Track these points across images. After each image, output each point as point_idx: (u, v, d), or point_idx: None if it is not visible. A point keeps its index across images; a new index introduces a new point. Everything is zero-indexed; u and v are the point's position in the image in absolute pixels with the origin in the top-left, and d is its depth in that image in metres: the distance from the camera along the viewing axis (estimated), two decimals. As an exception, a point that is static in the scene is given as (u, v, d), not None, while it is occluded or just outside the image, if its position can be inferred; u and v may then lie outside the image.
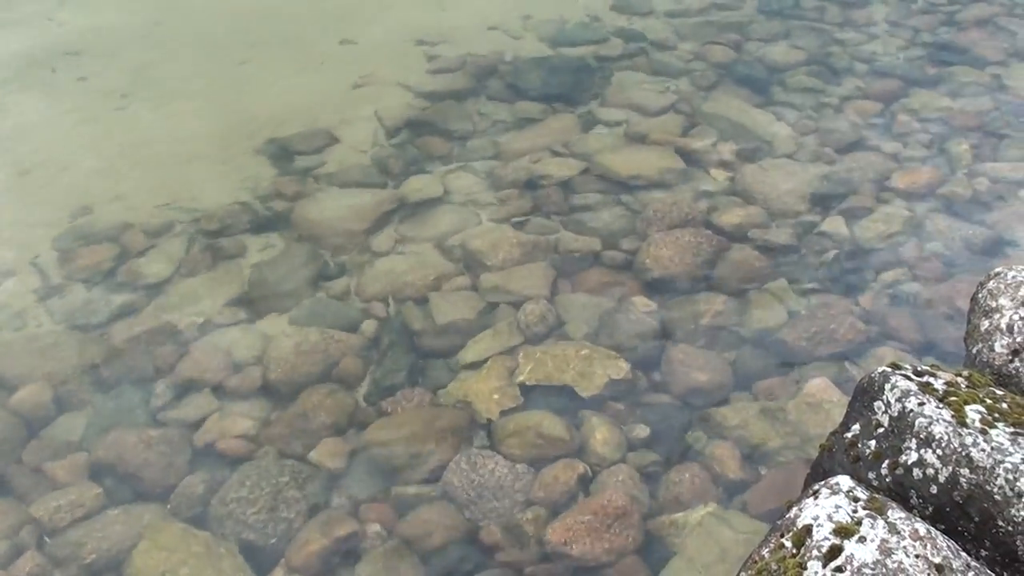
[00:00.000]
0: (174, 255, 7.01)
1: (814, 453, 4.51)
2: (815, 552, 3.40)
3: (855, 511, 3.53)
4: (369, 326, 6.31)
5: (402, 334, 6.23)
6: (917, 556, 3.32)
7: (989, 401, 3.81)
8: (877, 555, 3.32)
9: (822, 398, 5.55)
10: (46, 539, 5.11)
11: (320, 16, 10.18)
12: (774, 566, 3.48)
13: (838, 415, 4.31)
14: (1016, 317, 4.25)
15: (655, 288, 6.49)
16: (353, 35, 9.78)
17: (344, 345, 6.14)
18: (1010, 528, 3.47)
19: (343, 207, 7.40)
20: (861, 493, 3.63)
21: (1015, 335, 4.21)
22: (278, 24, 10.01)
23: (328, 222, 7.25)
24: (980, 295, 4.50)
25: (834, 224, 7.12)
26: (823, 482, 3.75)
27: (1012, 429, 3.65)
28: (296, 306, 6.52)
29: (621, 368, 5.85)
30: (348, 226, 7.21)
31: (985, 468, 3.51)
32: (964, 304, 5.11)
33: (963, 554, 3.44)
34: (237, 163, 7.99)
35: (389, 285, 6.62)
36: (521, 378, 5.81)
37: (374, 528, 5.08)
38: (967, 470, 3.55)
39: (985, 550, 3.57)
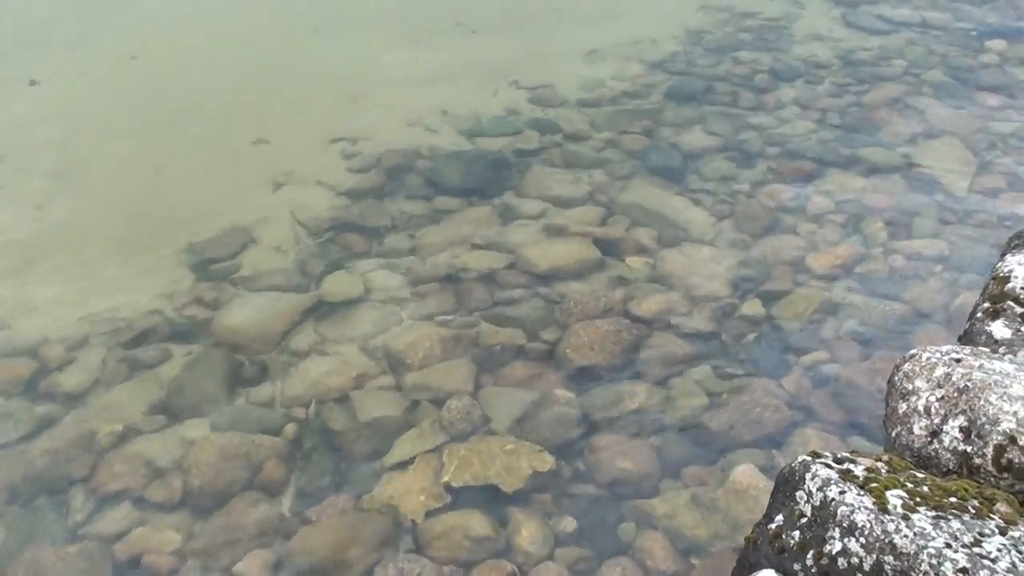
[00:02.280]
0: (93, 366, 6.91)
1: (743, 541, 4.51)
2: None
3: (782, 603, 3.52)
4: (291, 429, 6.25)
5: (325, 437, 6.18)
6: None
7: (910, 485, 3.82)
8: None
9: (749, 484, 5.56)
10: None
11: (235, 116, 10.16)
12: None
13: (765, 500, 4.30)
14: (933, 398, 4.28)
15: (577, 379, 6.50)
16: (269, 135, 9.76)
17: (266, 450, 6.08)
18: (936, 613, 3.47)
19: (262, 310, 7.35)
20: (787, 584, 3.63)
21: (932, 417, 4.24)
22: (193, 127, 9.97)
23: (247, 326, 7.19)
24: (896, 378, 4.53)
25: (753, 307, 7.17)
26: None
27: (934, 513, 3.65)
28: (217, 412, 6.45)
29: (546, 461, 5.84)
30: (267, 329, 7.15)
31: (909, 554, 3.51)
32: (884, 382, 5.16)
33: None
34: (155, 270, 7.91)
35: (311, 387, 6.57)
36: (446, 477, 5.77)
37: (304, 643, 5.02)
38: (891, 557, 3.55)
39: (913, 636, 3.57)
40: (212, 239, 8.23)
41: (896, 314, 7.01)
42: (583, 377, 6.51)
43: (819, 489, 3.84)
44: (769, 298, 7.27)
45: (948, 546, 3.48)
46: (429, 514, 5.57)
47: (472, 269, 7.65)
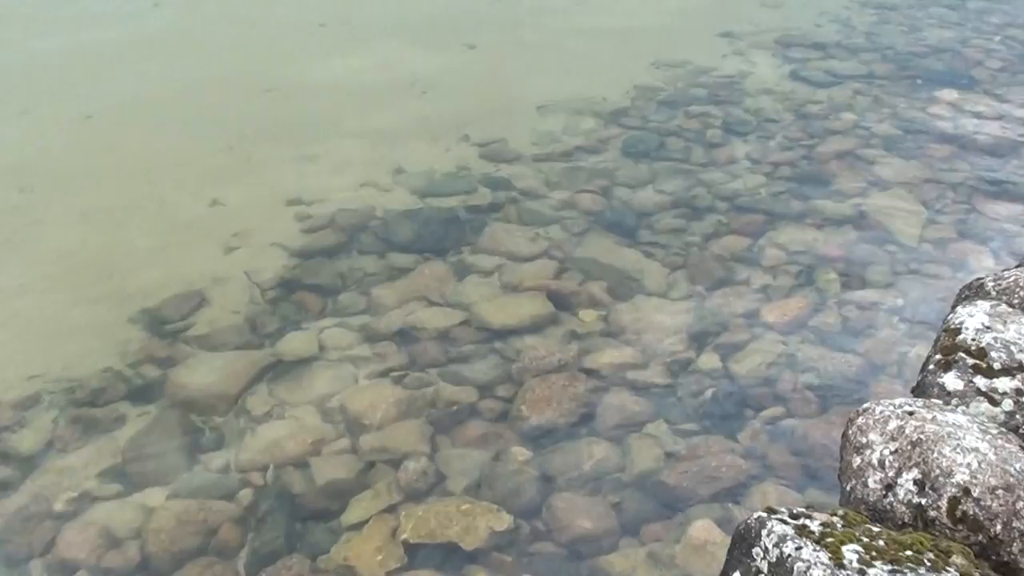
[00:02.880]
0: (46, 428, 6.84)
1: (700, 598, 4.51)
2: None
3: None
4: (247, 493, 6.19)
5: (281, 499, 6.13)
6: None
7: (866, 539, 3.82)
8: None
9: (706, 540, 5.56)
10: None
11: (189, 177, 10.11)
12: None
13: (723, 556, 4.29)
14: (887, 452, 4.29)
15: (533, 436, 6.48)
16: (223, 196, 9.72)
17: (222, 514, 6.02)
18: (894, 668, 3.46)
19: (217, 370, 7.30)
20: (745, 641, 3.61)
21: (887, 470, 4.25)
22: (147, 187, 9.92)
23: (202, 387, 7.14)
24: (850, 432, 4.54)
25: (709, 361, 7.19)
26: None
27: (890, 567, 3.66)
28: (173, 476, 6.38)
29: (504, 520, 5.81)
30: (223, 390, 7.11)
31: (865, 609, 3.51)
32: (840, 435, 5.18)
33: None
34: (109, 330, 7.86)
35: (267, 452, 6.51)
36: (404, 536, 5.73)
37: None
38: (848, 611, 3.55)
39: None
40: (166, 299, 8.18)
41: (851, 366, 7.04)
42: (539, 434, 6.50)
43: (775, 545, 3.84)
44: (725, 351, 7.29)
45: (904, 600, 3.48)
46: (388, 575, 5.54)
47: (426, 327, 7.63)
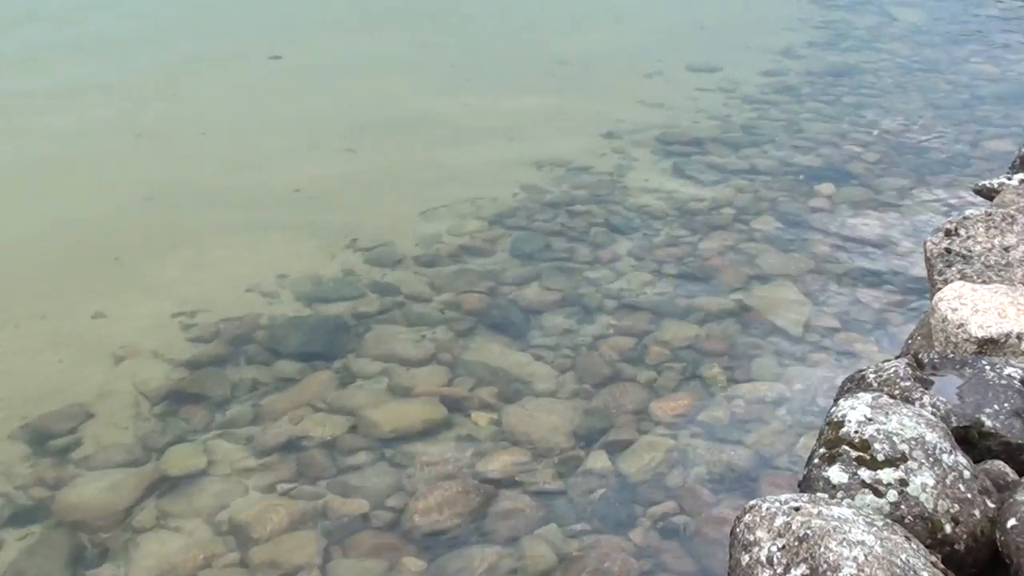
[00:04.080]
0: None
1: None
2: None
3: None
4: (135, 614, 6.11)
5: (169, 619, 6.04)
6: None
7: (756, 638, 3.84)
8: None
9: (601, 642, 5.55)
10: None
11: (70, 289, 9.98)
12: None
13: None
14: (774, 548, 4.31)
15: (426, 545, 6.42)
16: (106, 308, 9.59)
17: (109, 636, 5.92)
18: None
19: (104, 487, 7.17)
20: None
21: (775, 567, 4.27)
22: (26, 299, 9.76)
23: (89, 504, 7.01)
24: (738, 529, 4.57)
25: (599, 460, 7.20)
26: None
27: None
28: (58, 601, 6.28)
29: (398, 632, 5.77)
30: (110, 507, 6.98)
31: None
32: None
33: None
34: (-10, 449, 7.73)
35: (156, 566, 6.39)
36: (296, 652, 5.67)
37: None
38: None
39: None
40: (50, 415, 8.02)
41: (740, 460, 7.10)
42: (432, 543, 6.45)
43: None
44: (614, 449, 7.31)
45: None
46: None
47: (315, 436, 7.57)
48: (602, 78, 16.21)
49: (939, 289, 6.57)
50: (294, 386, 8.29)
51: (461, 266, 10.13)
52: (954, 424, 5.35)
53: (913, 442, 4.98)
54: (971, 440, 5.36)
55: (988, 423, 5.36)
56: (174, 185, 12.15)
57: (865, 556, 4.13)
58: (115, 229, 11.12)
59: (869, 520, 4.44)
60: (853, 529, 4.28)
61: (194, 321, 9.31)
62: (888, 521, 4.54)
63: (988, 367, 5.69)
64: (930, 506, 4.75)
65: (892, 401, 5.37)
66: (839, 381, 6.41)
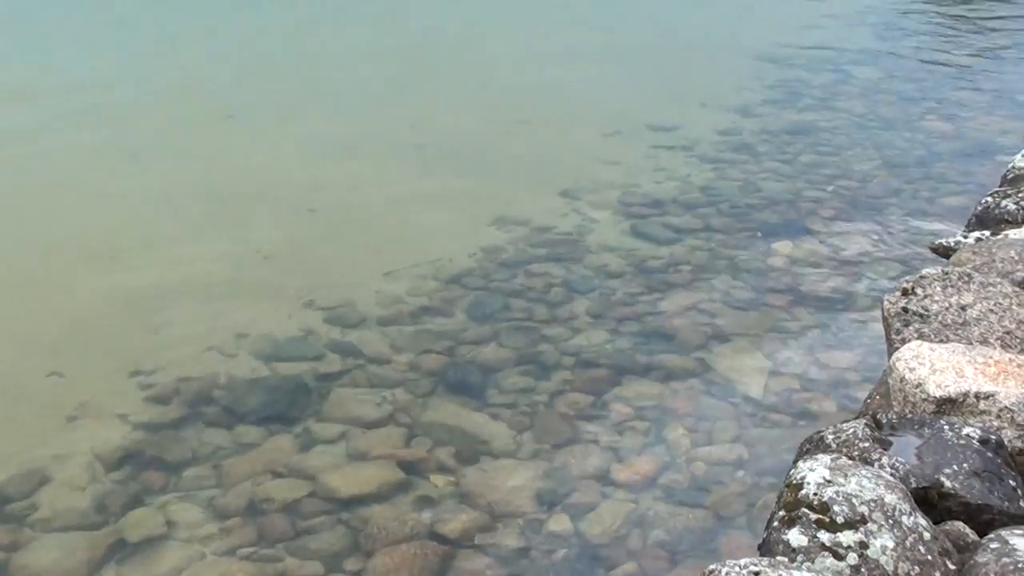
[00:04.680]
0: None
1: None
2: None
3: None
4: None
5: None
6: None
7: None
8: None
9: None
10: None
11: (27, 347, 9.92)
12: None
13: None
14: (735, 613, 4.31)
15: (384, 609, 6.42)
16: (63, 367, 9.54)
17: None
18: None
19: (62, 553, 7.11)
20: None
21: (736, 632, 4.26)
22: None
23: (45, 569, 6.96)
24: (698, 596, 4.56)
25: (560, 522, 7.19)
26: None
27: None
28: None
29: None
30: (67, 572, 6.93)
31: None
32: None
33: None
34: (-58, 516, 7.65)
35: (110, 634, 6.37)
36: None
37: None
38: None
39: None
40: (5, 479, 7.97)
41: (702, 522, 7.11)
42: (390, 606, 6.44)
43: None
44: (575, 511, 7.30)
45: None
46: None
47: (274, 499, 7.53)
48: (561, 137, 16.28)
49: (897, 348, 6.58)
50: (254, 449, 8.25)
51: (420, 326, 10.12)
52: (913, 485, 5.35)
53: (872, 504, 4.98)
54: (931, 501, 5.36)
55: (947, 484, 5.37)
56: (132, 245, 12.12)
57: (826, 620, 4.12)
58: (72, 288, 11.08)
59: (830, 583, 4.44)
60: (813, 593, 4.28)
61: (152, 381, 9.27)
62: (849, 584, 4.54)
63: (947, 427, 5.70)
64: (890, 568, 4.75)
65: (851, 463, 5.37)
66: (798, 441, 6.42)
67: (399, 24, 25.85)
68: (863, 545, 4.84)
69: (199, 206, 13.32)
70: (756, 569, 4.48)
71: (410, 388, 9.01)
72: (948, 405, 5.99)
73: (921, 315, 6.87)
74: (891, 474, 5.39)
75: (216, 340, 9.90)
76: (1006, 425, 5.85)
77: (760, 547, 5.21)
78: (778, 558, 4.77)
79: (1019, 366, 6.10)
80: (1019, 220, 9.12)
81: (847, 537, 4.87)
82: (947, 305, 6.89)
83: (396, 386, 9.06)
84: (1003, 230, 8.89)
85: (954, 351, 6.24)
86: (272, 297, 10.79)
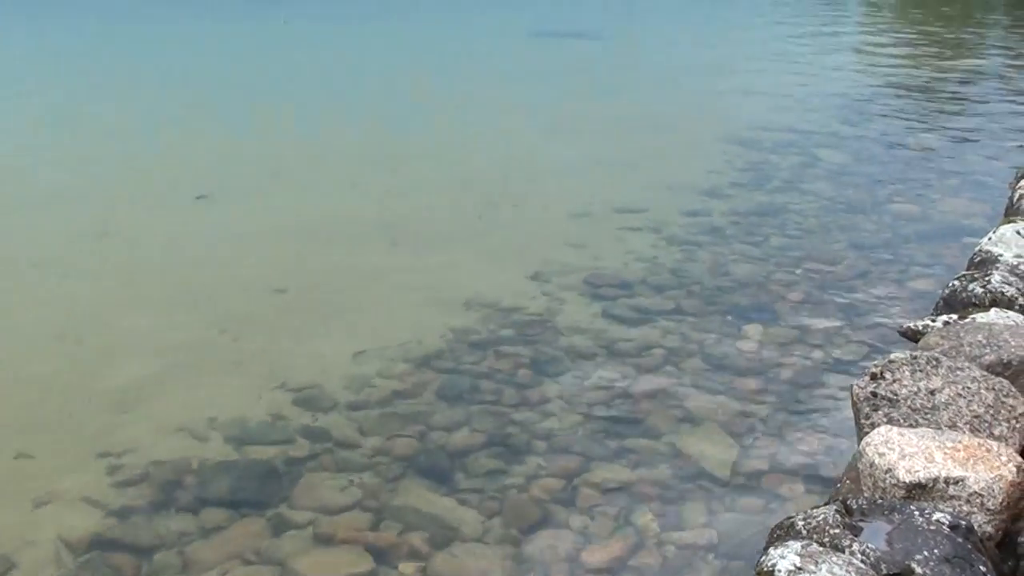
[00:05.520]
0: None
1: None
2: None
3: None
4: None
5: None
6: None
7: None
8: None
9: None
10: None
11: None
12: None
13: None
14: None
15: None
16: (30, 448, 9.48)
17: None
18: None
19: (25, 641, 7.07)
20: None
21: None
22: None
23: (10, 661, 6.91)
24: None
25: (530, 609, 7.18)
26: None
27: None
28: None
29: None
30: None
31: None
32: None
33: None
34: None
35: None
36: None
37: None
38: None
39: None
40: (-30, 566, 7.92)
41: (671, 606, 7.10)
42: None
43: None
44: (545, 598, 7.29)
45: None
46: None
47: (244, 586, 7.51)
48: (529, 217, 16.35)
49: (866, 433, 6.62)
50: (222, 534, 8.19)
51: (389, 410, 10.09)
52: (884, 572, 5.37)
53: (844, 592, 4.99)
54: (902, 588, 5.38)
55: (919, 570, 5.38)
56: (100, 326, 12.10)
57: None
58: (40, 369, 11.04)
59: (801, 672, 4.44)
60: None
61: (121, 463, 9.22)
62: (820, 673, 4.54)
63: (917, 513, 5.73)
64: (861, 656, 4.76)
65: (821, 549, 5.39)
66: (769, 525, 6.43)
67: (368, 102, 26.03)
68: (834, 632, 4.85)
69: (167, 287, 13.33)
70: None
71: (379, 472, 8.98)
72: (918, 490, 6.03)
73: (890, 400, 6.92)
74: (862, 560, 5.41)
75: (186, 423, 9.86)
76: (976, 510, 5.89)
77: (732, 634, 5.23)
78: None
79: (988, 450, 6.14)
80: (986, 304, 9.21)
81: (818, 625, 4.88)
82: (916, 389, 6.94)
83: (365, 470, 9.03)
84: (971, 313, 8.98)
85: (923, 436, 6.29)
86: (241, 379, 10.77)
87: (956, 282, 9.75)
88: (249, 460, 9.24)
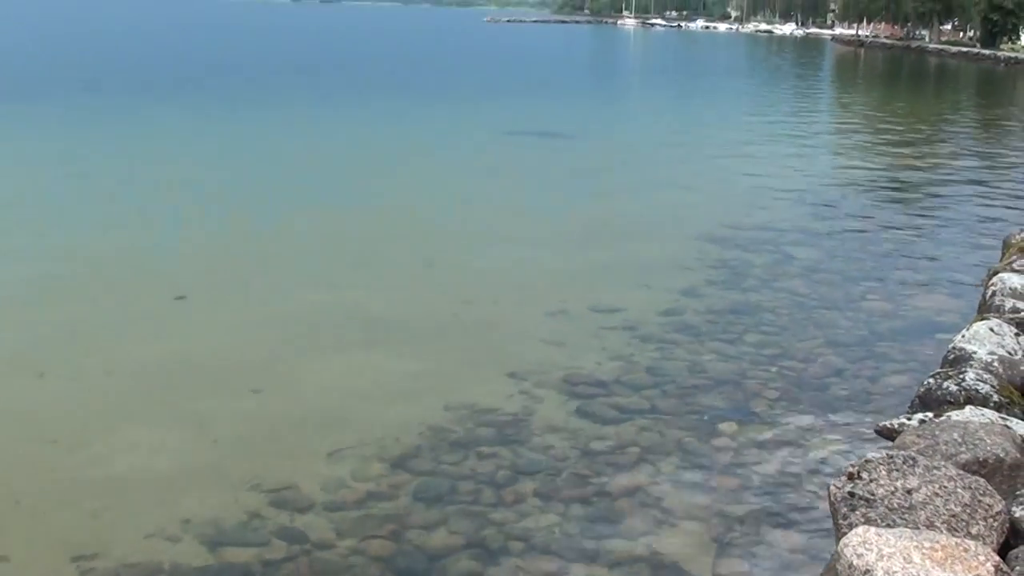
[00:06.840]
0: None
1: None
2: None
3: None
4: None
5: None
6: None
7: None
8: None
9: None
10: None
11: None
12: None
13: None
14: None
15: None
16: (5, 551, 9.34)
17: None
18: None
19: None
20: None
21: None
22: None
23: None
24: None
25: None
26: None
27: None
28: None
29: None
30: None
31: None
32: None
33: None
34: None
35: None
36: None
37: None
38: None
39: None
40: None
41: None
42: None
43: None
44: None
45: None
46: None
47: None
48: (506, 317, 16.37)
49: (844, 533, 6.60)
50: (196, 643, 8.13)
51: (366, 511, 10.02)
52: None
53: None
54: None
55: (898, 674, 5.37)
56: (75, 427, 12.02)
57: None
58: (14, 470, 10.95)
59: None
60: None
61: (93, 566, 9.13)
62: None
63: (896, 615, 5.71)
64: None
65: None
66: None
67: (349, 200, 26.13)
68: None
69: (143, 388, 13.25)
70: None
71: (356, 574, 8.91)
72: (897, 592, 6.00)
73: (867, 499, 6.91)
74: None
75: (160, 525, 9.77)
76: (955, 612, 5.87)
77: None
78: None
79: (966, 550, 6.13)
80: (961, 401, 9.24)
81: None
82: (893, 489, 6.94)
83: (342, 572, 8.96)
84: (946, 411, 9.00)
85: (901, 536, 6.27)
86: (217, 480, 10.70)
87: (931, 380, 9.79)
88: (224, 563, 9.16)
